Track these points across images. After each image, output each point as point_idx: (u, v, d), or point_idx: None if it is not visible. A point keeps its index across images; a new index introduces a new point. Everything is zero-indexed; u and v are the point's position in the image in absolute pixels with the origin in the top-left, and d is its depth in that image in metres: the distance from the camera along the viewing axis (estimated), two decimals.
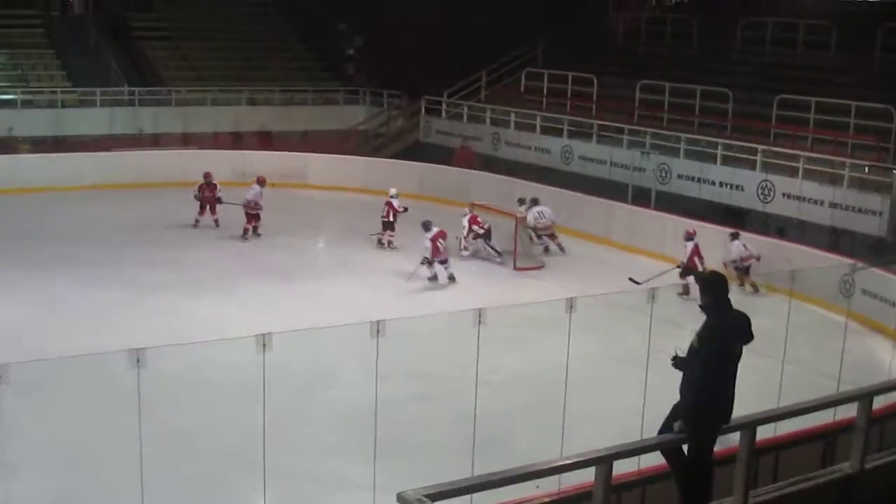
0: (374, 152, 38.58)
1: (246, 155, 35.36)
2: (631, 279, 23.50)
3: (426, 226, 24.33)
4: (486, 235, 26.26)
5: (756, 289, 23.49)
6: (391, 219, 27.11)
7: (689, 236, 23.87)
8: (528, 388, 16.85)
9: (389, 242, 27.02)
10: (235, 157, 34.69)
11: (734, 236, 24.36)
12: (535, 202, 27.72)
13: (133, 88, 38.48)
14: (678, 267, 23.66)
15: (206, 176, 29.15)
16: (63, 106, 37.42)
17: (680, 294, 22.33)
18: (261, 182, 28.18)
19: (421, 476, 11.72)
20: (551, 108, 34.72)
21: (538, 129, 33.74)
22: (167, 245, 26.47)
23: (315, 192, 33.89)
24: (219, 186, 29.00)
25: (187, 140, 37.66)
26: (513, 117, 34.72)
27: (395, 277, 24.42)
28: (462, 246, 26.45)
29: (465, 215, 26.56)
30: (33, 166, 33.19)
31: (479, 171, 32.56)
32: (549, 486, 10.49)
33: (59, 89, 37.99)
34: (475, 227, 26.21)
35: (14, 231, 27.15)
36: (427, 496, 7.36)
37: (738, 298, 9.36)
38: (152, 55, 41.59)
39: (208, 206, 28.69)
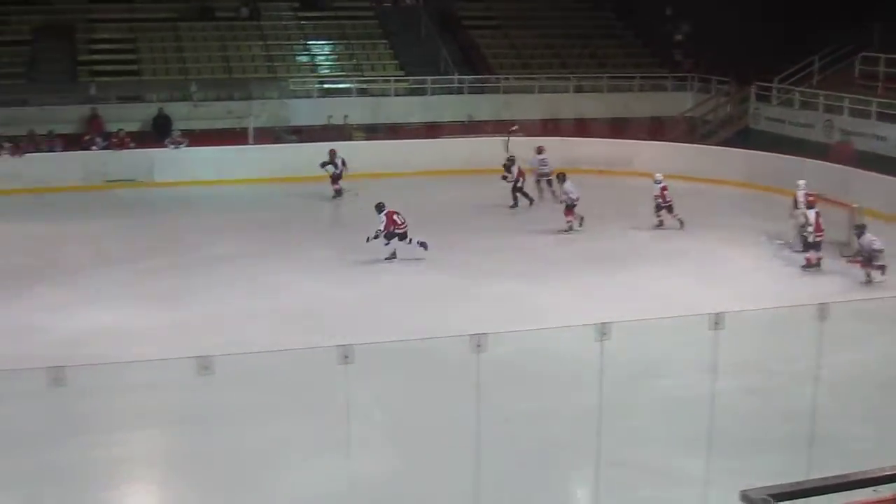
0: (702, 139, 37.98)
1: (571, 142, 35.50)
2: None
3: (379, 207, 24.39)
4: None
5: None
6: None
7: (811, 204, 23.51)
8: (865, 387, 16.23)
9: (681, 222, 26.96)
10: (561, 144, 34.88)
11: (861, 231, 23.07)
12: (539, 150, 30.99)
13: (462, 77, 39.34)
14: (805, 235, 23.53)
15: (331, 153, 31.22)
16: (395, 94, 38.64)
17: (804, 267, 23.34)
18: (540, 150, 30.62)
19: (752, 473, 11.53)
20: (888, 93, 33.32)
21: (874, 115, 32.46)
22: (495, 231, 26.91)
23: (642, 179, 33.67)
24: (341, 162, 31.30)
25: (513, 127, 38.19)
26: (846, 103, 33.51)
27: (724, 267, 24.07)
28: (800, 228, 25.61)
29: (800, 189, 25.59)
30: (365, 153, 34.37)
31: (815, 160, 31.40)
32: (888, 491, 10.10)
33: (391, 78, 39.23)
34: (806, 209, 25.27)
35: (347, 215, 28.25)
36: (771, 496, 7.16)
37: None
38: (481, 44, 42.34)
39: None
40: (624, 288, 21.81)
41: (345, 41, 41.28)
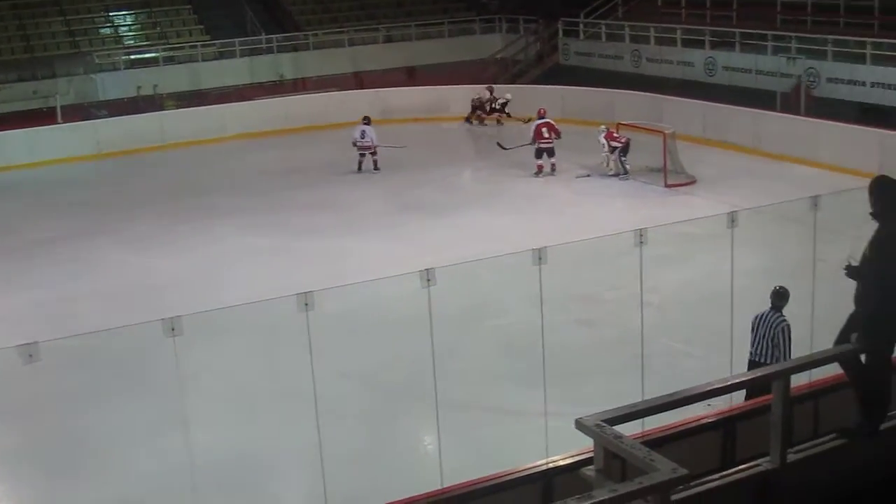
0: (515, 79, 38.31)
1: (386, 92, 35.47)
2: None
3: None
4: (623, 150, 26.00)
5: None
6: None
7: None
8: (690, 307, 16.62)
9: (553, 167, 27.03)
10: (376, 96, 34.83)
11: None
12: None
13: (270, 36, 38.86)
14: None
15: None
16: (203, 60, 37.94)
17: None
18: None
19: (589, 401, 11.68)
20: (691, 19, 34.07)
21: (679, 42, 33.18)
22: (317, 188, 26.71)
23: (457, 123, 33.85)
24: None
25: (328, 83, 37.92)
26: (652, 32, 34.21)
27: (545, 202, 24.34)
28: (606, 164, 26.35)
29: (600, 133, 26.39)
30: (179, 121, 33.78)
31: (624, 91, 31.96)
32: (721, 403, 10.34)
33: (198, 43, 38.51)
34: (612, 143, 26.02)
35: (167, 186, 27.71)
36: (605, 421, 7.31)
37: None
38: (285, 1, 41.85)
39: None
40: (450, 232, 21.92)
41: (147, 9, 40.32)
